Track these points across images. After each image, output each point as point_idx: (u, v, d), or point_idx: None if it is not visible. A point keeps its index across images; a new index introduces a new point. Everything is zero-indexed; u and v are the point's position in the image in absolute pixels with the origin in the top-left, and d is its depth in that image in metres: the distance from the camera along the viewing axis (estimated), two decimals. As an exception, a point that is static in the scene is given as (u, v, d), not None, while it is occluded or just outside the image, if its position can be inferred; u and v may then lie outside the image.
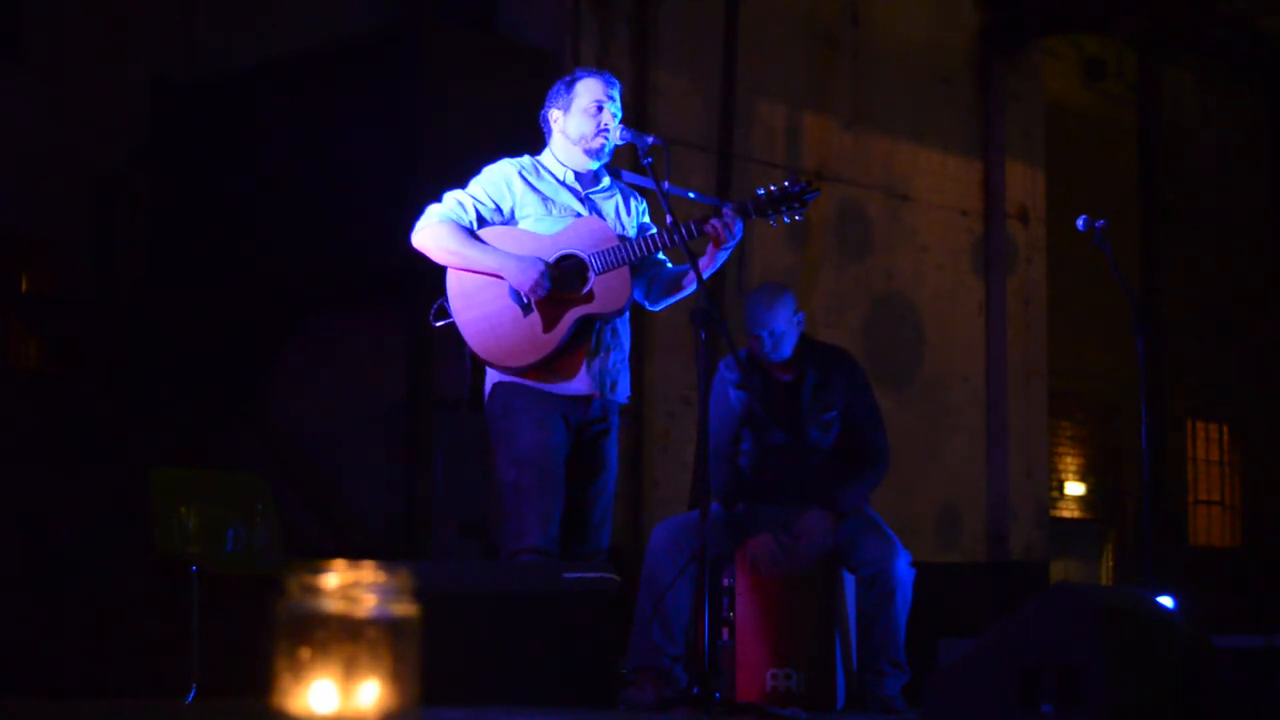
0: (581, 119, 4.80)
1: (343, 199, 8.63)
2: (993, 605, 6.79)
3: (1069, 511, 13.25)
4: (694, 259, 4.64)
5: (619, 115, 4.83)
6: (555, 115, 4.86)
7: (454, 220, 4.73)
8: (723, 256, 4.76)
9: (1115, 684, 3.69)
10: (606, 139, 4.80)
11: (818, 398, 5.40)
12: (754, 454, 5.45)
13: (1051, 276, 11.41)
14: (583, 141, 4.81)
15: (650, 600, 5.14)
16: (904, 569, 5.22)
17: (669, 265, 4.93)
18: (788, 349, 5.38)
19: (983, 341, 10.99)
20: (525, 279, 4.62)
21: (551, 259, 4.67)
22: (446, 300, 4.73)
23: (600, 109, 4.80)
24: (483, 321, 4.69)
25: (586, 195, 4.87)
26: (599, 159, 4.85)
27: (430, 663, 1.96)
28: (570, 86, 4.84)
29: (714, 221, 4.69)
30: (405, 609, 1.91)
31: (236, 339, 9.28)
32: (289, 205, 8.92)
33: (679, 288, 4.89)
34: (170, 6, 10.17)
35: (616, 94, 4.85)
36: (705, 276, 4.64)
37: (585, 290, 4.67)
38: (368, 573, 1.91)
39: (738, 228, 4.70)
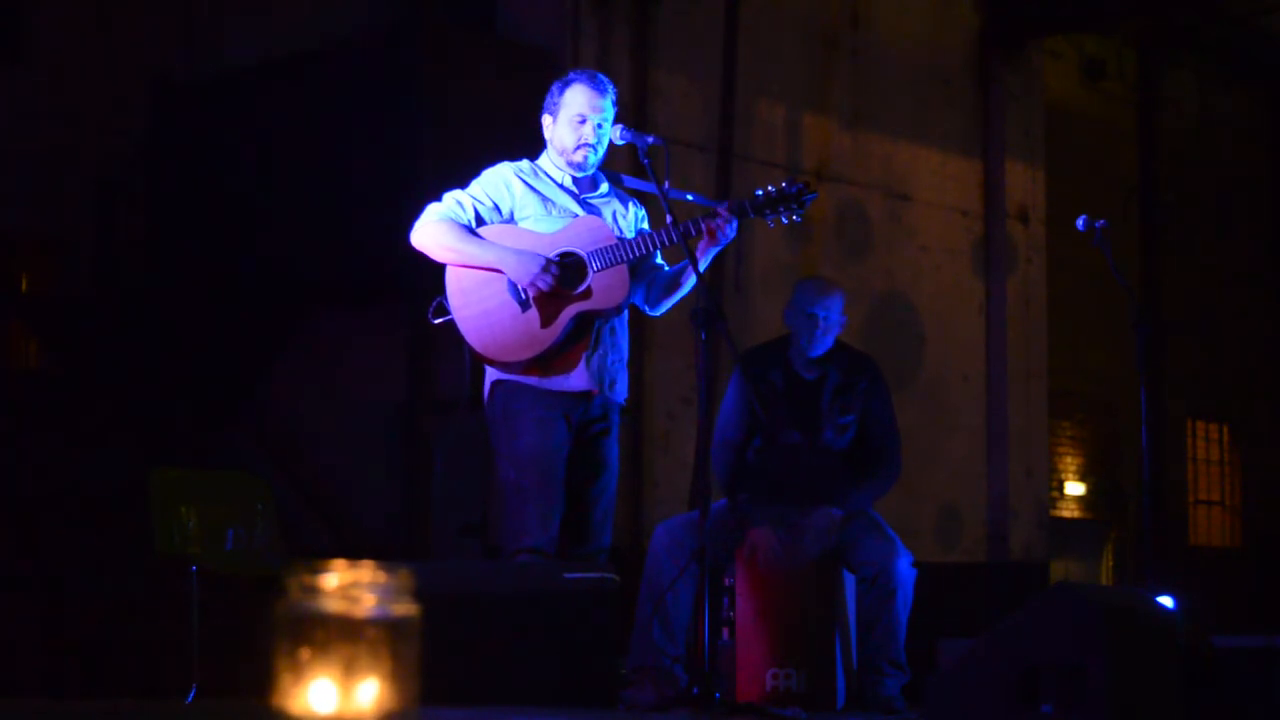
0: (565, 130, 4.79)
1: (343, 199, 8.63)
2: (993, 605, 6.79)
3: (1069, 511, 13.25)
4: (693, 256, 4.65)
5: (607, 124, 4.80)
6: (547, 121, 4.86)
7: (453, 218, 4.74)
8: (713, 253, 4.77)
9: (1115, 684, 3.69)
10: (588, 154, 4.79)
11: (837, 400, 5.40)
12: (766, 450, 5.45)
13: (1051, 276, 11.41)
14: (564, 153, 4.81)
15: (651, 600, 5.14)
16: (905, 569, 5.22)
17: (666, 268, 4.93)
18: (830, 341, 5.40)
19: (983, 341, 10.99)
20: (526, 273, 4.62)
21: (550, 256, 4.67)
22: (445, 298, 4.73)
23: (583, 121, 4.78)
24: (481, 318, 4.69)
25: (584, 199, 4.87)
26: (582, 171, 4.84)
27: (430, 663, 1.96)
28: (561, 91, 4.82)
29: (710, 220, 4.69)
30: (405, 609, 1.91)
31: (236, 339, 9.27)
32: (289, 205, 8.92)
33: (677, 286, 4.89)
34: (170, 6, 10.17)
35: (607, 101, 4.81)
36: (701, 268, 4.64)
37: (583, 287, 4.67)
38: (368, 573, 1.91)
39: (731, 227, 4.70)
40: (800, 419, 5.39)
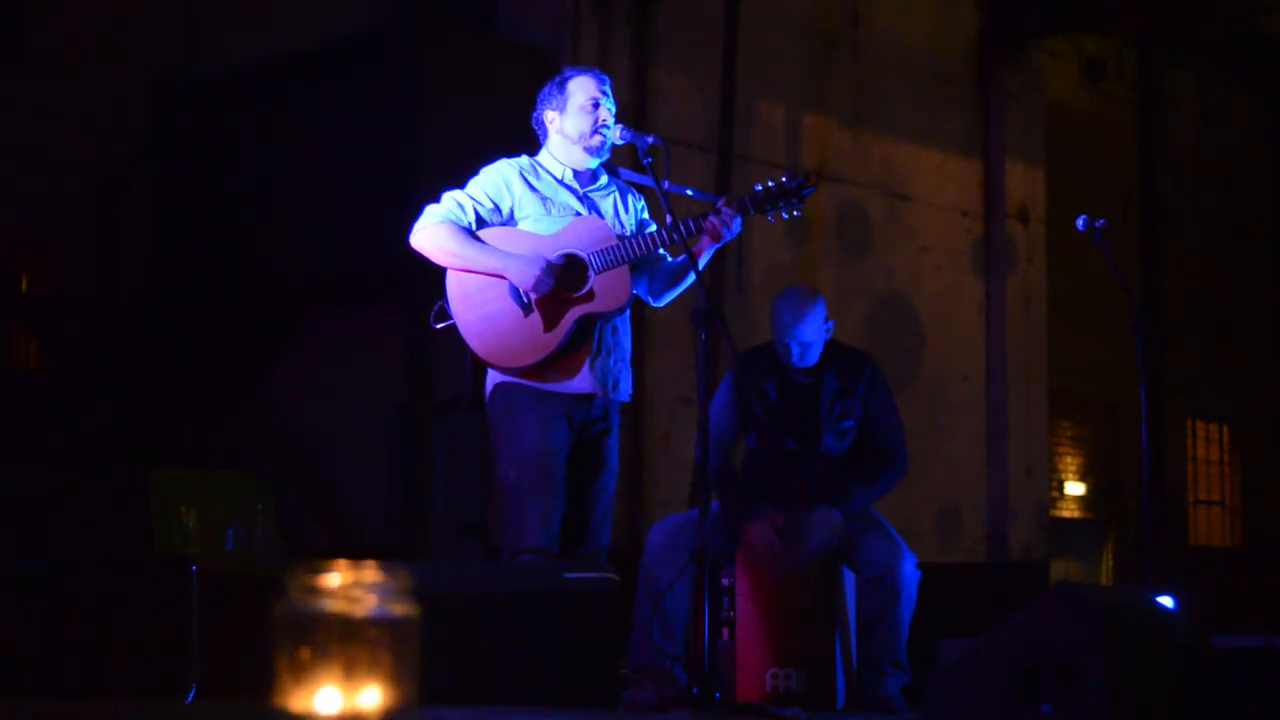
0: (579, 117, 4.80)
1: (342, 199, 8.63)
2: (993, 605, 6.79)
3: (1069, 511, 13.25)
4: (693, 256, 4.64)
5: (614, 110, 4.84)
6: (551, 116, 4.86)
7: (453, 221, 4.73)
8: (712, 250, 4.77)
9: (1115, 684, 3.69)
10: (605, 135, 4.80)
11: (836, 405, 5.36)
12: (762, 456, 5.43)
13: (1051, 276, 11.41)
14: (582, 140, 4.81)
15: (650, 600, 5.14)
16: (909, 571, 5.21)
17: (669, 259, 4.93)
18: (814, 357, 5.35)
19: (983, 341, 10.99)
20: (527, 277, 4.62)
21: (552, 258, 4.66)
22: (446, 302, 4.72)
23: (597, 105, 4.80)
24: (484, 322, 4.69)
25: (585, 194, 4.87)
26: (599, 156, 4.85)
27: (430, 663, 1.96)
28: (562, 87, 4.84)
29: (712, 218, 4.69)
30: (405, 609, 1.91)
31: (236, 339, 9.27)
32: (289, 206, 8.92)
33: (681, 278, 4.89)
34: (170, 6, 10.17)
35: (609, 89, 4.86)
36: (700, 266, 4.64)
37: (585, 289, 4.67)
38: (368, 573, 1.91)
39: (736, 224, 4.70)
40: (798, 425, 5.36)
